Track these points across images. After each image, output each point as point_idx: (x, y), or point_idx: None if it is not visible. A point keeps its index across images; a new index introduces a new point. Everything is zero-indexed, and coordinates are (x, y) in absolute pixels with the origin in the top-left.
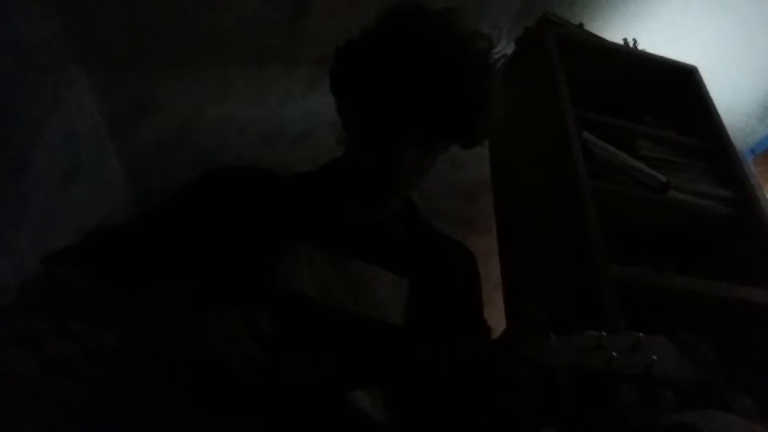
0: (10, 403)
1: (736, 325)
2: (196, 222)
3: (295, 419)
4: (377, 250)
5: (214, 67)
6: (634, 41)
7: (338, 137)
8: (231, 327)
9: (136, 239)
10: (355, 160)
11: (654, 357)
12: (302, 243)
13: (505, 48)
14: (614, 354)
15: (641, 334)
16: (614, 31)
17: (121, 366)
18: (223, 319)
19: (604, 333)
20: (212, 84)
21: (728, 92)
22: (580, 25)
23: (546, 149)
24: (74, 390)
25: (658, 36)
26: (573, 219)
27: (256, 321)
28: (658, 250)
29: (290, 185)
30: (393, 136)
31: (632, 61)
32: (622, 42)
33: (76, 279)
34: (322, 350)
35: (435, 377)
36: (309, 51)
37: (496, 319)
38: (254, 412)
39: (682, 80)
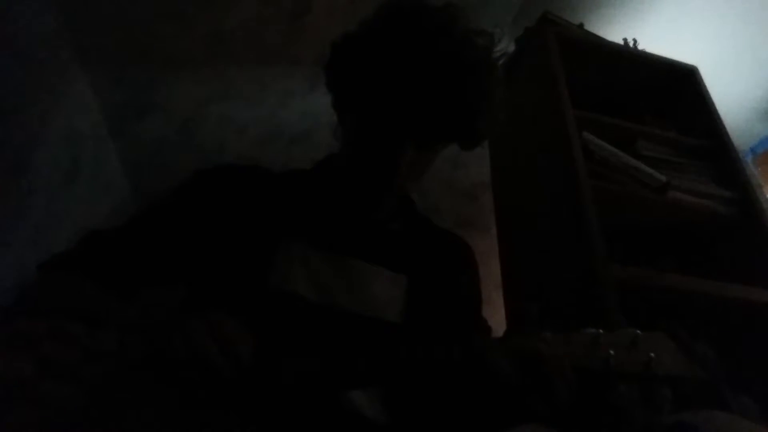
0: (8, 406)
1: (736, 325)
2: (189, 222)
3: (291, 420)
4: (374, 247)
5: (214, 67)
6: (634, 41)
7: (333, 131)
8: (217, 328)
9: (130, 242)
10: (351, 160)
11: (652, 354)
12: (297, 242)
13: (506, 47)
14: (612, 352)
15: (639, 332)
16: (614, 31)
17: (119, 368)
18: (206, 321)
19: (601, 331)
20: (212, 84)
21: (728, 92)
22: (580, 25)
23: (546, 149)
24: (72, 392)
25: (658, 36)
26: (573, 219)
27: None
28: (658, 250)
29: (285, 183)
30: (390, 137)
31: (632, 61)
32: (622, 42)
33: (73, 283)
34: (318, 351)
35: (445, 376)
36: (309, 51)
37: (496, 319)
38: (252, 413)
39: (682, 80)
